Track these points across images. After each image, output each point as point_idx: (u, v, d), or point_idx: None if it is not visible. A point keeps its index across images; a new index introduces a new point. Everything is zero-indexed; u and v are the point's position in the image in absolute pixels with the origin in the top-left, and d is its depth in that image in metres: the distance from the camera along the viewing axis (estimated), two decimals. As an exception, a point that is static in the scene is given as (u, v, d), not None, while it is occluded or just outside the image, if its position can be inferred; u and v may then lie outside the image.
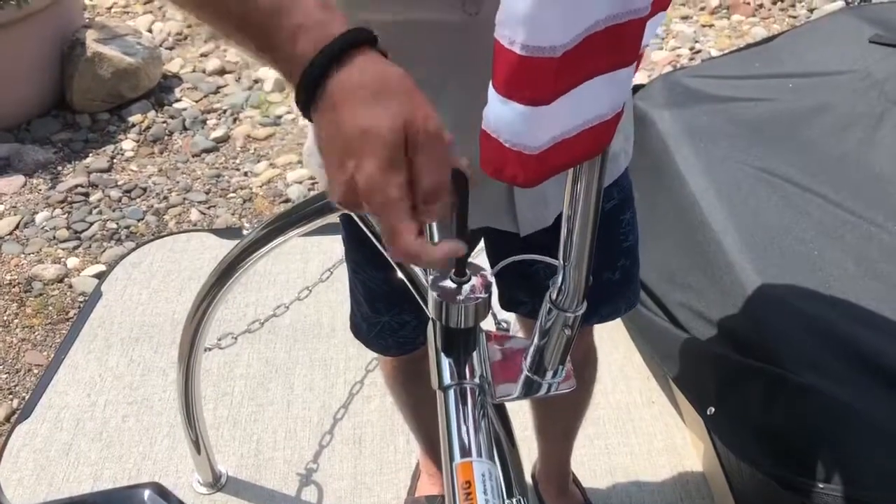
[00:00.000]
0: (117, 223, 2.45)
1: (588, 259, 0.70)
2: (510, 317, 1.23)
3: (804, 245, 1.49)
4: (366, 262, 1.07)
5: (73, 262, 2.31)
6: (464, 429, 0.66)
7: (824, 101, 1.78)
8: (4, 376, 1.97)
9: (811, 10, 3.44)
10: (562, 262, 0.70)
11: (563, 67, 0.50)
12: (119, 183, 2.61)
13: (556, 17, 0.48)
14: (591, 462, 1.70)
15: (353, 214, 0.90)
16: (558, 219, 0.78)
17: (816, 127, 1.73)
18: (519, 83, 0.51)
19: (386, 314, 1.13)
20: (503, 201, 0.94)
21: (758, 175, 1.64)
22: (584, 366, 1.33)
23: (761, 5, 3.52)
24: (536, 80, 0.51)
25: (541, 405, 1.42)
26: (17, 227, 2.44)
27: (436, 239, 0.73)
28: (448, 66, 0.80)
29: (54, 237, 2.39)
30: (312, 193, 2.54)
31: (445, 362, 0.70)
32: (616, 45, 0.52)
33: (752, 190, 1.61)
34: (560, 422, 1.46)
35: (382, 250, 0.87)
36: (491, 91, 0.53)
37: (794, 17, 3.42)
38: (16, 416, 1.85)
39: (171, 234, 2.39)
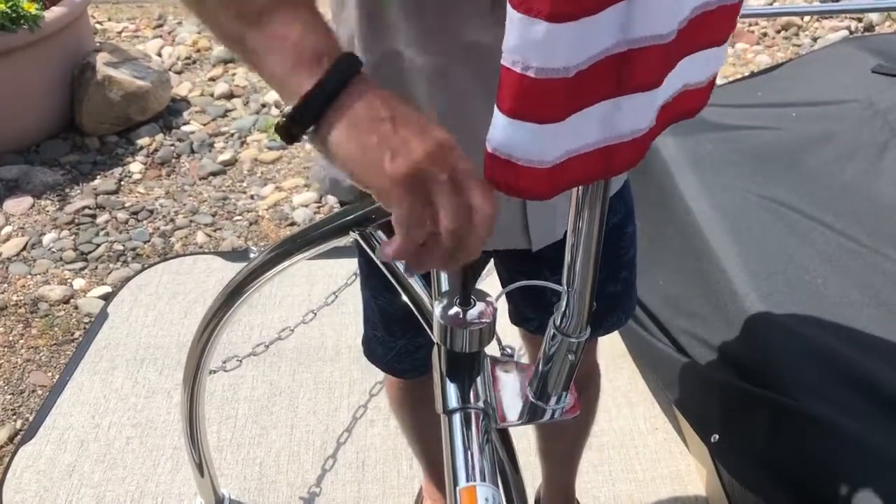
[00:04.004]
0: (124, 245, 2.46)
1: (592, 285, 0.70)
2: (515, 343, 1.24)
3: (808, 273, 1.50)
4: (384, 286, 1.08)
5: (79, 283, 2.32)
6: (468, 453, 0.66)
7: (828, 131, 1.79)
8: (8, 397, 1.97)
9: (815, 39, 3.47)
10: (566, 287, 0.71)
11: (576, 87, 0.51)
12: (126, 205, 2.63)
13: (569, 39, 0.49)
14: (594, 489, 1.70)
15: (363, 242, 0.91)
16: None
17: (820, 156, 1.74)
18: (530, 105, 0.51)
19: (402, 337, 1.14)
20: (517, 221, 0.96)
21: (762, 203, 1.65)
22: (588, 384, 1.34)
23: (765, 34, 3.55)
24: (548, 100, 0.51)
25: (545, 427, 1.42)
26: (24, 248, 2.45)
27: (443, 273, 0.74)
28: (472, 83, 0.81)
29: (61, 258, 2.41)
30: (318, 217, 2.55)
31: (450, 387, 0.70)
32: (634, 69, 0.53)
33: (756, 218, 1.62)
34: (564, 442, 1.46)
35: (388, 274, 0.88)
36: (497, 114, 0.53)
37: (798, 46, 3.45)
38: (20, 436, 1.85)
39: (178, 256, 2.40)
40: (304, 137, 0.56)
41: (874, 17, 3.51)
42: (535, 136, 0.52)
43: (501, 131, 0.53)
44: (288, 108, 0.55)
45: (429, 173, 0.53)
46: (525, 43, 0.49)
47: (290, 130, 0.55)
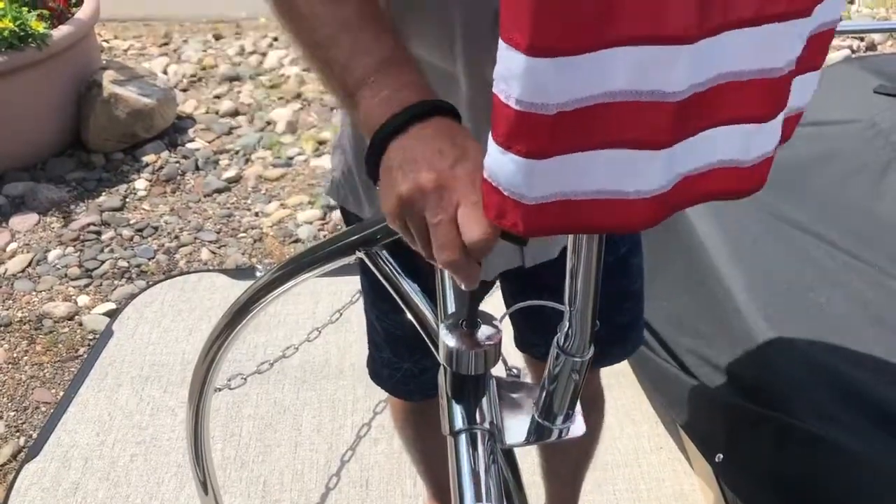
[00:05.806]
0: (128, 262, 2.47)
1: (593, 305, 0.70)
2: (520, 363, 1.25)
3: (812, 291, 1.50)
4: (390, 307, 1.08)
5: (83, 300, 2.32)
6: (474, 474, 0.66)
7: (830, 150, 1.80)
8: (12, 414, 1.98)
9: (817, 58, 3.47)
10: (568, 307, 0.71)
11: (562, 128, 0.50)
12: (131, 222, 2.64)
13: (549, 76, 0.48)
14: (598, 508, 1.69)
15: (368, 262, 0.91)
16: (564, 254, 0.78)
17: (823, 175, 1.75)
18: (515, 136, 0.51)
19: (408, 360, 1.14)
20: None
21: (765, 221, 1.65)
22: (591, 410, 1.34)
23: (768, 53, 3.56)
24: (530, 135, 0.50)
25: (548, 447, 1.43)
26: (29, 264, 2.46)
27: (449, 295, 0.75)
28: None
29: (66, 275, 2.42)
30: (323, 234, 2.56)
31: (456, 408, 0.71)
32: (632, 123, 0.50)
33: (759, 236, 1.62)
34: (567, 463, 1.46)
35: (394, 293, 0.88)
36: (491, 142, 0.53)
37: (801, 65, 3.46)
38: (24, 454, 1.85)
39: (182, 273, 2.40)
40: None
41: (876, 36, 3.52)
42: (520, 169, 0.52)
43: (493, 159, 0.54)
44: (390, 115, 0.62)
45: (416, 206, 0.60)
46: (508, 72, 0.49)
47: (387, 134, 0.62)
